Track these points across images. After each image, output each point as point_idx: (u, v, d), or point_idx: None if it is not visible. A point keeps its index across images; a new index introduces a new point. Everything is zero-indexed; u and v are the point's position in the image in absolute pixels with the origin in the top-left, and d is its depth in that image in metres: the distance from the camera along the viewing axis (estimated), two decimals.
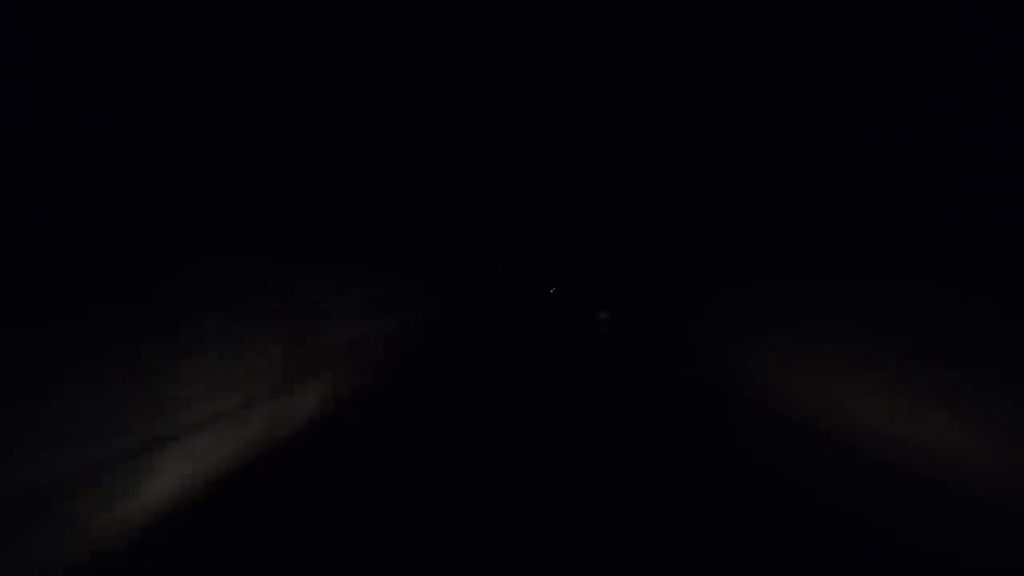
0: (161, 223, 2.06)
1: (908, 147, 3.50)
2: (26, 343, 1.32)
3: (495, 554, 2.48)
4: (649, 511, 3.21)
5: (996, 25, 2.68)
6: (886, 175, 3.76)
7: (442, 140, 4.55)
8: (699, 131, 5.95)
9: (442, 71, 3.86)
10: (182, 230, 2.12)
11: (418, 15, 2.81)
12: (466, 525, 2.82)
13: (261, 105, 2.75)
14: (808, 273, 4.84)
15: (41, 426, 1.36)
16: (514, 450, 4.30)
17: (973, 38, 2.80)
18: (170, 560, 1.99)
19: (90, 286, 1.66)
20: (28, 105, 1.59)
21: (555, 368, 9.31)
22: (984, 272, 3.12)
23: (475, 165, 6.64)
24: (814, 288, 4.75)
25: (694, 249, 7.62)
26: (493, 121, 4.52)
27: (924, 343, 3.42)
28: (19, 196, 1.48)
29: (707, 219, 7.02)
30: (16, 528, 1.33)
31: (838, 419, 4.16)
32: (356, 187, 4.00)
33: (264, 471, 2.63)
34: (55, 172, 1.66)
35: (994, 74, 2.75)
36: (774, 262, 5.50)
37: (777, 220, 5.43)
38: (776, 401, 5.00)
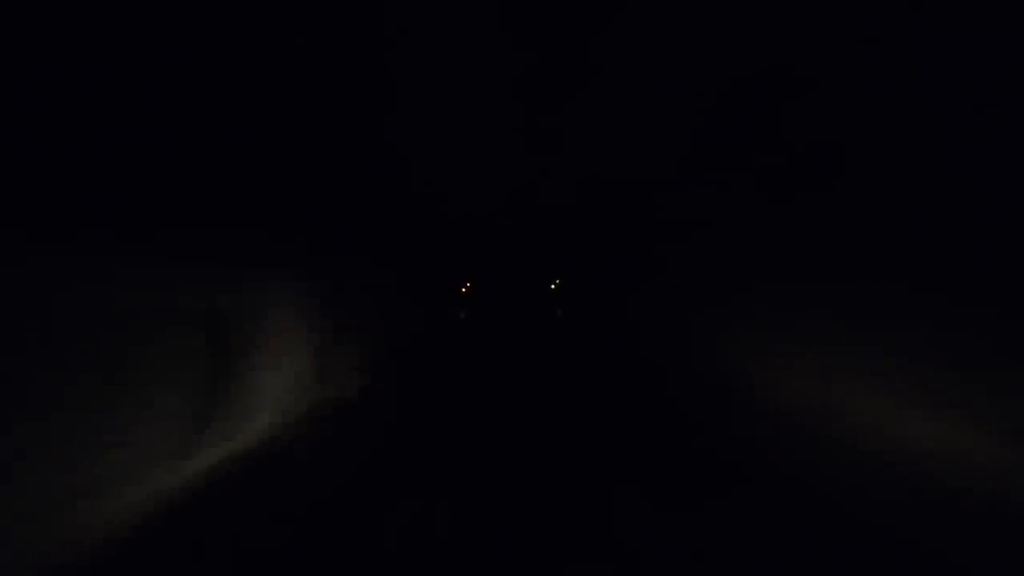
0: None
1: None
2: None
3: None
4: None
5: None
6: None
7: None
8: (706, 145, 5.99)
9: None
10: None
11: None
12: None
13: None
14: (806, 273, 4.88)
15: None
16: None
17: None
18: None
19: None
20: None
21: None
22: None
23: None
24: (813, 288, 4.79)
25: (695, 249, 7.64)
26: None
27: (927, 344, 3.45)
28: None
29: (707, 220, 7.05)
30: None
31: (838, 418, 4.20)
32: None
33: None
34: None
35: None
36: (772, 262, 5.53)
37: (773, 220, 5.47)
38: (776, 400, 5.04)
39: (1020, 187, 2.78)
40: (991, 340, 2.97)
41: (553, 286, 19.93)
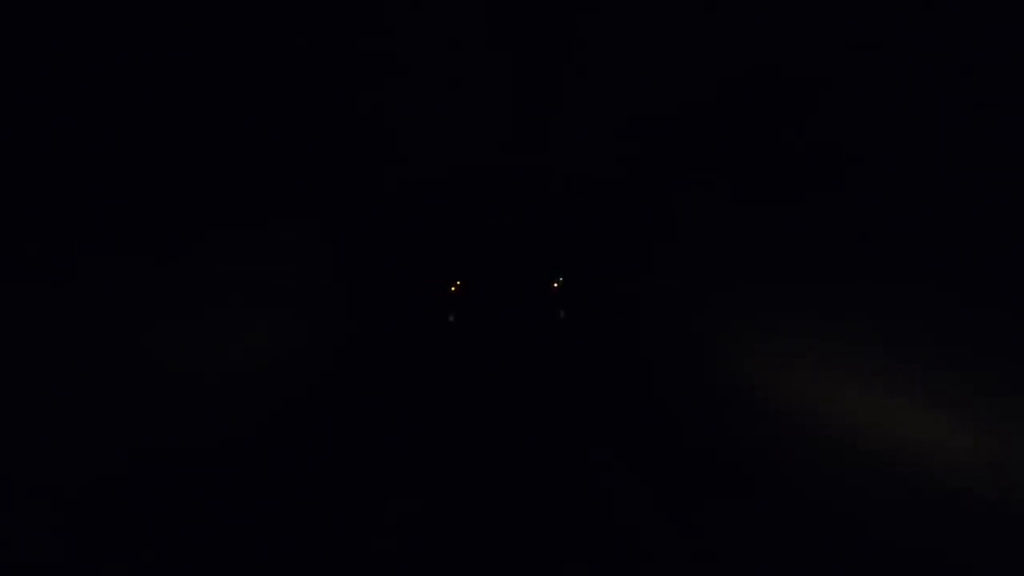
0: None
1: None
2: None
3: None
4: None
5: None
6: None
7: None
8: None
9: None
10: None
11: None
12: None
13: None
14: (806, 273, 4.88)
15: None
16: None
17: None
18: None
19: None
20: None
21: None
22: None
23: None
24: (813, 288, 4.78)
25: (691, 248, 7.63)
26: None
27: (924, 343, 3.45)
28: None
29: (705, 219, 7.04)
30: None
31: (838, 418, 4.19)
32: None
33: None
34: None
35: None
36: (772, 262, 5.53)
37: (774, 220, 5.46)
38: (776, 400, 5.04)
39: (1015, 187, 2.78)
40: (991, 340, 2.97)
41: (556, 284, 19.07)
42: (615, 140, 6.82)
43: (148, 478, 3.39)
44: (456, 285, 18.57)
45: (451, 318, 17.30)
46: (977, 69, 2.98)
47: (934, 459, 3.21)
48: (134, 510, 2.97)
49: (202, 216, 4.92)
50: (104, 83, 3.28)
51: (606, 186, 9.04)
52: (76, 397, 3.44)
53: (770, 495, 3.27)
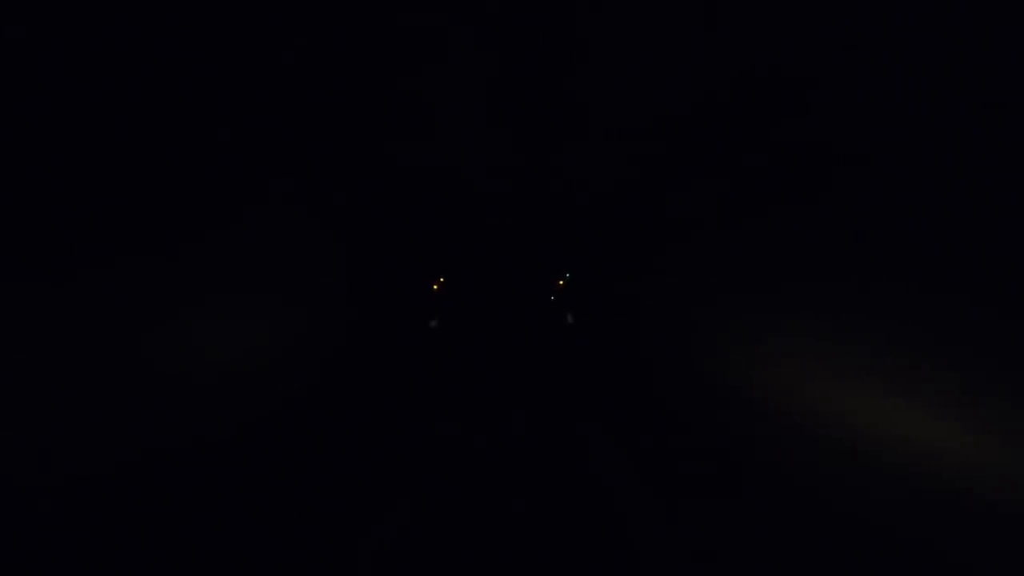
0: None
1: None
2: None
3: None
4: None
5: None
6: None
7: None
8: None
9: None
10: None
11: None
12: None
13: None
14: (808, 273, 4.88)
15: None
16: None
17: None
18: None
19: None
20: None
21: None
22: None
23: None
24: (813, 288, 4.78)
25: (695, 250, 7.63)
26: None
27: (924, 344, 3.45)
28: None
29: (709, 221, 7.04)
30: None
31: (837, 418, 4.19)
32: None
33: None
34: None
35: None
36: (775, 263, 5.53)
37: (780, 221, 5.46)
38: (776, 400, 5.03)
39: (1011, 186, 2.78)
40: (991, 340, 2.96)
41: (561, 282, 17.03)
42: (616, 142, 6.82)
43: (148, 478, 3.39)
44: (439, 283, 16.60)
45: (433, 323, 15.60)
46: (973, 69, 2.98)
47: (934, 459, 3.21)
48: (134, 510, 2.97)
49: (202, 216, 4.92)
50: (104, 83, 3.28)
51: (606, 187, 9.04)
52: (76, 397, 3.44)
53: (770, 495, 3.27)
